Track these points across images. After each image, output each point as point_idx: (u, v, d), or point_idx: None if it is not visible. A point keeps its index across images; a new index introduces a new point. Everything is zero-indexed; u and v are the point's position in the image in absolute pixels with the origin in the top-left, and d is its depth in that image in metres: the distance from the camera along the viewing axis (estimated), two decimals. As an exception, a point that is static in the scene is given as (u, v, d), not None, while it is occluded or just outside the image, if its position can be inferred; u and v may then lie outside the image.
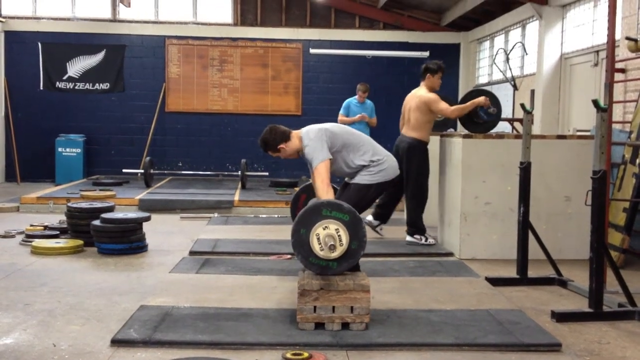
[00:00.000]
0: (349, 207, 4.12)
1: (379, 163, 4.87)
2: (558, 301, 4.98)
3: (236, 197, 9.88)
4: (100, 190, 10.12)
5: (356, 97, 10.33)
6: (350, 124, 10.16)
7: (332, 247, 4.00)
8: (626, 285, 4.56)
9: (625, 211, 5.99)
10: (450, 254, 6.54)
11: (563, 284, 5.37)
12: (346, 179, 5.11)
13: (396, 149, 7.02)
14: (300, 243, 4.09)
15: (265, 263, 6.00)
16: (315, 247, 4.04)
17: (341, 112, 10.38)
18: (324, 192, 4.45)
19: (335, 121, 13.01)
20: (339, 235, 4.03)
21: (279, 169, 13.09)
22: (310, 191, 5.41)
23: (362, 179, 4.85)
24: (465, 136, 6.55)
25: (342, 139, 4.82)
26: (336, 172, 4.97)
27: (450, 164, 6.79)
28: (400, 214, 9.23)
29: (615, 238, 6.02)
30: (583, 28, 9.18)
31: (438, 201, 7.24)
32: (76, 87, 13.24)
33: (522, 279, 5.44)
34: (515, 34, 11.48)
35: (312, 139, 4.69)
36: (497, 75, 11.90)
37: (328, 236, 4.02)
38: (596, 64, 8.66)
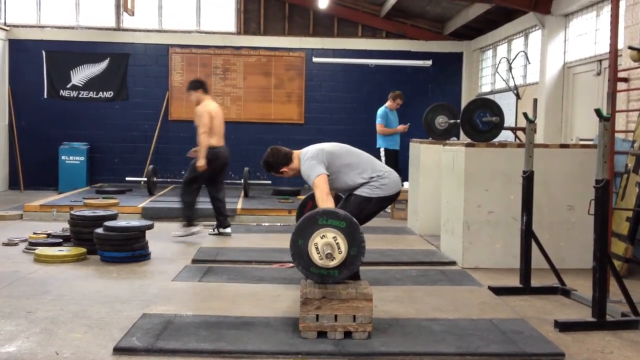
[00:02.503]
0: (345, 214, 4.12)
1: (379, 178, 4.89)
2: (561, 310, 4.97)
3: (239, 206, 9.89)
4: (104, 198, 10.13)
5: (387, 105, 10.49)
6: (392, 134, 10.30)
7: (330, 256, 4.00)
8: (629, 295, 4.55)
9: (629, 220, 5.98)
10: (453, 263, 6.54)
11: (566, 293, 5.35)
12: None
13: (223, 159, 7.79)
14: (300, 254, 4.09)
15: (267, 271, 6.00)
16: (315, 256, 4.05)
17: (380, 121, 10.45)
18: (323, 202, 4.49)
19: (339, 130, 13.14)
20: (337, 243, 4.04)
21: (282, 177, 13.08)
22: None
23: (362, 191, 4.87)
24: (467, 145, 6.55)
25: (340, 158, 4.88)
26: (338, 189, 5.03)
27: (452, 172, 6.79)
28: (403, 222, 9.23)
29: (618, 247, 6.01)
30: (586, 37, 9.19)
31: (441, 210, 7.23)
32: (80, 96, 13.27)
33: (525, 288, 5.43)
34: (518, 43, 11.49)
35: (307, 159, 4.81)
36: (500, 84, 11.91)
37: (326, 245, 4.02)
38: (599, 73, 8.66)
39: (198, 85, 7.96)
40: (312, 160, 4.76)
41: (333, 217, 4.09)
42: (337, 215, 4.10)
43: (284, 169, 4.95)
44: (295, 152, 4.98)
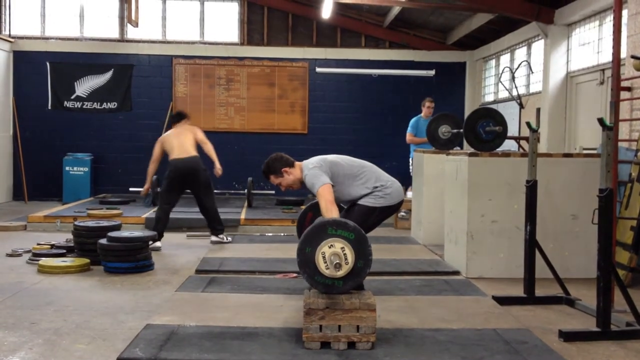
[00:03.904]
0: (354, 225, 4.12)
1: (382, 188, 4.90)
2: (566, 320, 4.95)
3: (242, 216, 9.89)
4: (107, 208, 10.15)
5: (422, 114, 10.37)
6: (421, 144, 10.20)
7: (338, 266, 4.00)
8: (634, 304, 4.53)
9: (633, 229, 5.96)
10: (457, 273, 6.52)
11: (571, 303, 5.33)
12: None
13: (180, 169, 7.98)
14: (306, 262, 4.09)
15: (271, 282, 5.99)
16: (321, 265, 4.04)
17: (410, 130, 10.37)
18: (328, 211, 4.49)
19: (343, 140, 13.14)
20: (344, 254, 4.03)
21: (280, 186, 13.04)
22: (316, 209, 5.43)
23: (366, 201, 4.88)
24: (471, 154, 6.55)
25: (343, 169, 4.90)
26: (341, 200, 5.03)
27: (456, 182, 6.79)
28: (407, 232, 9.21)
29: (622, 256, 5.99)
30: (588, 47, 9.20)
31: (444, 219, 7.22)
32: (84, 107, 13.31)
33: (530, 298, 5.41)
34: (520, 53, 11.51)
35: (311, 168, 4.82)
36: (503, 94, 11.92)
37: (334, 255, 4.02)
38: (602, 83, 8.67)
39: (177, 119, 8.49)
40: (316, 169, 4.77)
41: (343, 227, 4.09)
42: (347, 226, 4.10)
43: (286, 169, 4.93)
44: (298, 162, 5.00)
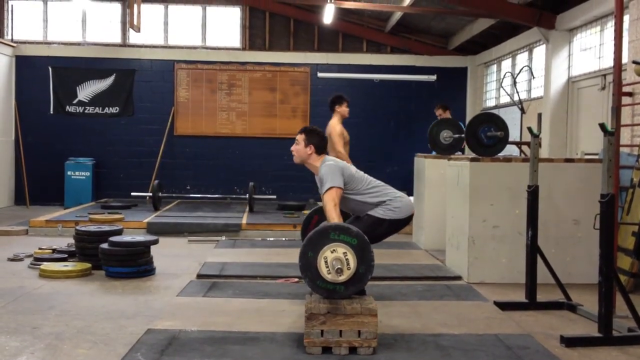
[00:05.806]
0: (357, 231, 4.12)
1: (392, 201, 4.90)
2: (567, 326, 4.94)
3: (244, 220, 9.89)
4: (109, 213, 10.15)
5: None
6: None
7: (339, 271, 4.00)
8: (635, 310, 4.53)
9: (635, 235, 5.95)
10: (459, 278, 6.51)
11: (572, 308, 5.33)
12: None
13: None
14: (308, 266, 4.09)
15: (272, 286, 5.99)
16: (323, 270, 4.04)
17: None
18: (334, 215, 4.47)
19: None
20: (346, 259, 4.03)
21: (287, 192, 13.09)
22: (322, 213, 5.43)
23: (376, 212, 4.88)
24: (472, 159, 6.55)
25: (356, 180, 4.89)
26: (348, 210, 5.02)
27: (457, 187, 6.79)
28: (409, 237, 9.21)
29: (624, 262, 5.98)
30: (590, 52, 9.21)
31: (446, 224, 7.21)
32: (86, 111, 13.34)
33: (531, 304, 5.40)
34: (522, 58, 11.52)
35: (330, 166, 4.79)
36: (505, 99, 11.93)
37: (335, 260, 4.02)
38: (603, 88, 8.67)
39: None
40: (335, 168, 4.75)
41: (345, 232, 4.10)
42: (350, 231, 4.10)
43: (312, 148, 4.86)
44: (324, 155, 4.97)
